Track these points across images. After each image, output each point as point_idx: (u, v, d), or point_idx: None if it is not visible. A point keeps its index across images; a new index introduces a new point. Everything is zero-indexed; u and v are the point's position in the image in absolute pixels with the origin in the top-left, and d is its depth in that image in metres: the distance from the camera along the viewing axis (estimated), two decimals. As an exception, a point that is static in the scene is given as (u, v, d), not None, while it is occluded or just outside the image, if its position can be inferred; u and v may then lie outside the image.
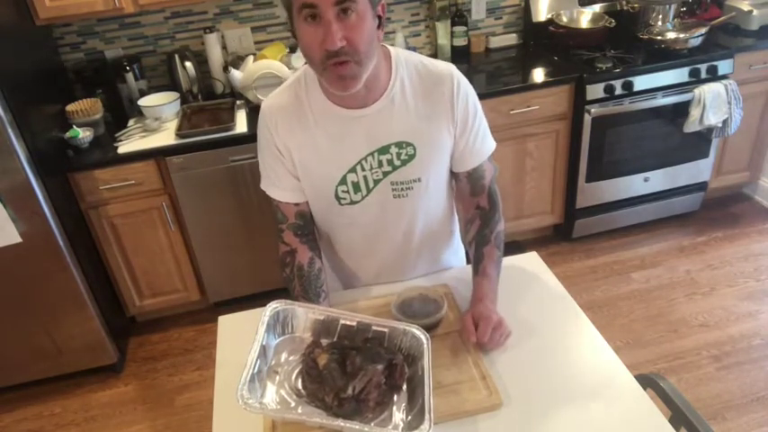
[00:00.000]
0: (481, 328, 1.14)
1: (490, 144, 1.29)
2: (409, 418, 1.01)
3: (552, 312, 1.32)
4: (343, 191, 1.25)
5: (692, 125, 2.70)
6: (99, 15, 2.39)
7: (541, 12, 2.95)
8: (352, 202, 1.27)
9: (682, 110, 2.70)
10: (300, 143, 1.22)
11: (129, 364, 2.59)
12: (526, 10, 2.97)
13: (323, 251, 1.40)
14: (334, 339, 1.15)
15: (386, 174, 1.23)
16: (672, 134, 2.78)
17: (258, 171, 2.41)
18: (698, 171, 2.95)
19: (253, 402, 0.98)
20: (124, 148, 2.33)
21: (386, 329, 1.13)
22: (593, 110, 2.62)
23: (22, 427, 2.34)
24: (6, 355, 2.35)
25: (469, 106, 1.22)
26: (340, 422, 0.97)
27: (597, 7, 2.97)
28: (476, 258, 1.31)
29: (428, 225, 1.34)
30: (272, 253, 2.62)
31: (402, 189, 1.25)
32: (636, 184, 2.90)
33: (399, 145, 1.20)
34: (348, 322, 1.14)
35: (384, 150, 1.20)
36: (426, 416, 0.95)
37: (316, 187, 1.27)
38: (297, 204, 1.30)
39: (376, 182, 1.24)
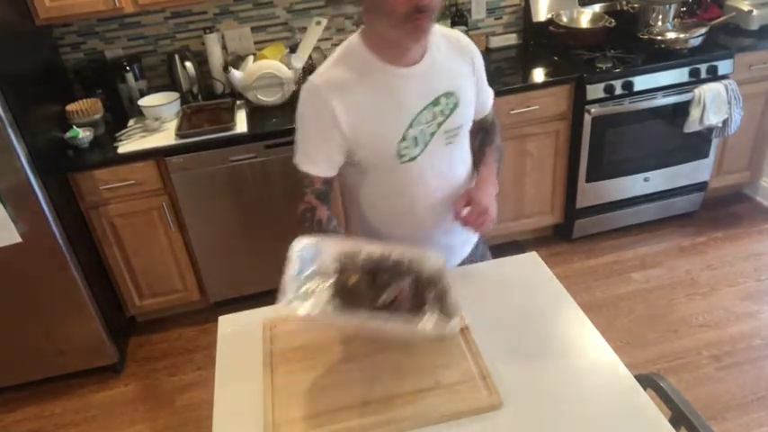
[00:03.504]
0: (469, 210, 1.33)
1: (491, 92, 1.52)
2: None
3: (552, 312, 1.32)
4: (404, 147, 1.31)
5: (692, 125, 2.70)
6: (99, 15, 2.39)
7: (541, 12, 2.95)
8: (412, 159, 1.33)
9: (682, 110, 2.70)
10: (360, 111, 1.27)
11: (129, 364, 2.59)
12: (526, 10, 2.97)
13: (367, 225, 1.48)
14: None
15: (439, 125, 1.33)
16: (672, 134, 2.78)
17: (259, 172, 2.40)
18: (698, 171, 2.95)
19: (299, 305, 1.03)
20: (124, 148, 2.33)
21: (407, 257, 1.18)
22: (593, 110, 2.62)
23: (22, 427, 2.34)
24: (6, 355, 2.35)
25: (479, 64, 1.42)
26: (384, 321, 1.04)
27: (597, 7, 2.97)
28: (479, 153, 1.50)
29: (466, 172, 1.47)
30: (271, 253, 2.62)
31: (452, 135, 1.37)
32: (636, 184, 2.90)
33: (447, 95, 1.33)
34: (371, 251, 1.18)
35: (436, 102, 1.31)
36: (456, 312, 1.04)
37: (378, 149, 1.31)
38: (326, 177, 1.34)
39: (432, 134, 1.33)
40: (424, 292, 1.12)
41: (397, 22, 1.16)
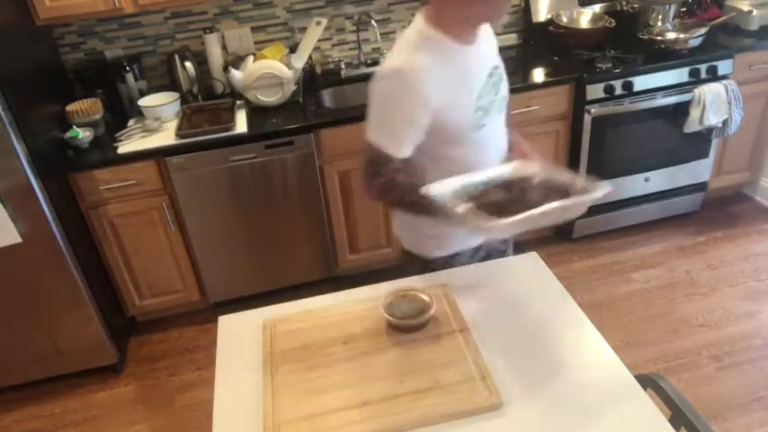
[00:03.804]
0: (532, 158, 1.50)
1: None
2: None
3: (552, 312, 1.32)
4: (478, 117, 1.41)
5: (692, 125, 2.70)
6: (99, 15, 2.39)
7: (541, 12, 2.95)
8: (482, 127, 1.42)
9: (682, 110, 2.70)
10: (445, 90, 1.33)
11: (129, 364, 2.59)
12: (526, 10, 2.97)
13: None
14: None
15: (495, 93, 1.45)
16: (672, 134, 2.78)
17: (259, 172, 2.40)
18: (698, 171, 2.95)
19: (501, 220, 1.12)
20: (124, 148, 2.33)
21: (515, 173, 1.33)
22: (593, 110, 2.62)
23: (22, 427, 2.34)
24: (6, 355, 2.35)
25: None
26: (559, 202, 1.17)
27: (597, 7, 2.97)
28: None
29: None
30: (271, 253, 2.63)
31: (503, 104, 1.50)
32: (636, 184, 2.90)
33: (495, 68, 1.46)
34: (484, 175, 1.32)
35: (491, 74, 1.44)
36: (595, 185, 1.22)
37: (460, 121, 1.39)
38: (405, 158, 1.40)
39: (492, 102, 1.44)
40: (555, 190, 1.25)
41: (493, 2, 1.29)
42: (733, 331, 2.41)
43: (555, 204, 1.17)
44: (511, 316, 1.31)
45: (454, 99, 1.36)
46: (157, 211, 2.44)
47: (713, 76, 2.66)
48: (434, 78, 1.31)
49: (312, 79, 2.81)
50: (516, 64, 2.87)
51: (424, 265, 1.57)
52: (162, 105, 2.50)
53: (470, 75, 1.39)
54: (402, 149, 1.36)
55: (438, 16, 1.33)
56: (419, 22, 1.36)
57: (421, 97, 1.31)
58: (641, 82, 2.61)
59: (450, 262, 1.56)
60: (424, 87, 1.30)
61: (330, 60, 2.92)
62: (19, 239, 2.11)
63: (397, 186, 1.38)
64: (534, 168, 1.34)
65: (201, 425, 2.25)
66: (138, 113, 2.55)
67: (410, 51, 1.33)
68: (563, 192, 1.24)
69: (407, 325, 1.25)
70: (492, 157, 1.50)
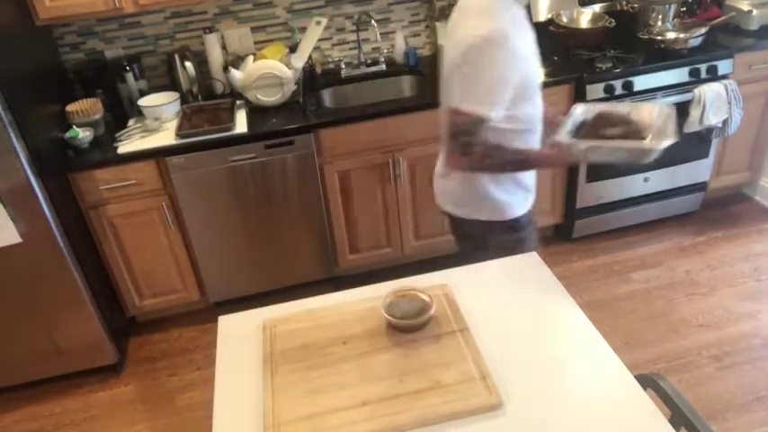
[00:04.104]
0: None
1: None
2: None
3: (552, 312, 1.32)
4: (539, 71, 1.55)
5: (692, 125, 2.70)
6: (99, 15, 2.39)
7: (541, 12, 2.95)
8: (539, 80, 1.55)
9: (682, 110, 2.69)
10: (524, 50, 1.46)
11: (129, 364, 2.59)
12: (526, 10, 2.97)
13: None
14: None
15: (535, 53, 1.56)
16: (672, 134, 2.78)
17: (259, 172, 2.39)
18: (698, 171, 2.95)
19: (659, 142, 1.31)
20: (124, 148, 2.33)
21: (589, 112, 1.50)
22: (593, 110, 2.62)
23: (22, 427, 2.34)
24: (6, 355, 2.35)
25: None
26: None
27: (597, 7, 2.97)
28: None
29: None
30: (271, 253, 2.63)
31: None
32: (636, 185, 2.90)
33: None
34: (576, 115, 1.47)
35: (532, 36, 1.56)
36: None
37: (534, 76, 1.51)
38: (493, 122, 1.46)
39: (537, 64, 1.56)
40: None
41: None
42: (733, 331, 2.41)
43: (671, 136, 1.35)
44: (511, 316, 1.31)
45: (530, 56, 1.48)
46: (157, 211, 2.44)
47: (713, 75, 2.66)
48: (516, 38, 1.41)
49: (312, 79, 2.81)
50: (516, 64, 2.86)
51: (511, 227, 1.65)
52: (162, 105, 2.50)
53: (530, 33, 1.52)
54: (497, 112, 1.42)
55: None
56: None
57: (511, 58, 1.39)
58: (641, 82, 2.61)
59: (529, 216, 1.69)
60: (511, 48, 1.39)
61: (330, 60, 2.92)
62: (19, 239, 2.11)
63: (499, 149, 1.46)
64: (600, 107, 1.49)
65: (201, 425, 2.25)
66: (138, 113, 2.55)
67: (490, 18, 1.40)
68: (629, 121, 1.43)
69: (407, 325, 1.26)
70: (541, 111, 1.59)
